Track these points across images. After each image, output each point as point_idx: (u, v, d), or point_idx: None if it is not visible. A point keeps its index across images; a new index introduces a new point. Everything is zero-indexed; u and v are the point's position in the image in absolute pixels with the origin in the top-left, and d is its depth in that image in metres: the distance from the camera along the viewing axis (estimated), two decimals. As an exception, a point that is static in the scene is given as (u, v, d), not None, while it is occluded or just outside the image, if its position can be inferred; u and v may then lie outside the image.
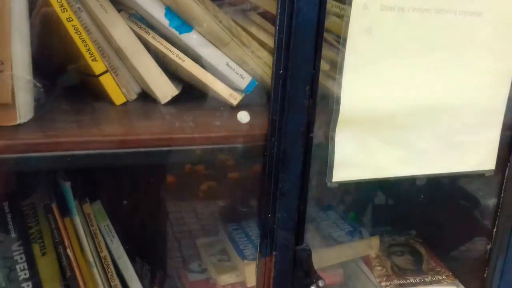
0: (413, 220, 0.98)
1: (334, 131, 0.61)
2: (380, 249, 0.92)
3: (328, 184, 0.63)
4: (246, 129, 0.59)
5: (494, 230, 0.75)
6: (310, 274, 0.62)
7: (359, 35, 0.57)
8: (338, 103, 0.60)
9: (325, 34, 0.57)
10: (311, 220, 0.90)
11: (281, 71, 0.54)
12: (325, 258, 0.89)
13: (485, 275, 0.77)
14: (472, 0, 0.62)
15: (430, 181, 0.83)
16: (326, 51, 0.60)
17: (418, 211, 0.95)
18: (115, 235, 0.78)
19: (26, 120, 0.54)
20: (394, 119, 0.64)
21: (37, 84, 0.52)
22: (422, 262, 0.90)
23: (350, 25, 0.56)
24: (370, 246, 0.91)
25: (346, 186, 0.94)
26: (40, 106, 0.56)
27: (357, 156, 0.63)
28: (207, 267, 0.92)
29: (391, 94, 0.63)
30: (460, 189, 0.89)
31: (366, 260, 0.91)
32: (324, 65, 0.61)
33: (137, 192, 0.89)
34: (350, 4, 0.56)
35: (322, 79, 0.60)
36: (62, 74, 0.66)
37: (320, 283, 0.62)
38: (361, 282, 0.90)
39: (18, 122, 0.52)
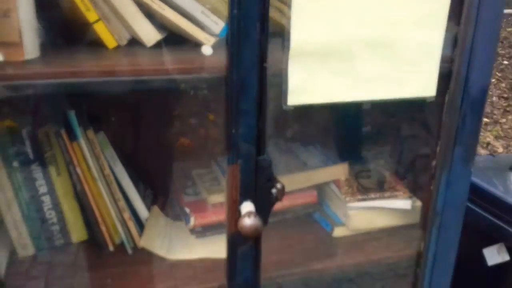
0: (381, 147, 1.10)
1: (287, 62, 0.73)
2: (350, 173, 1.05)
3: (284, 107, 0.75)
4: (213, 62, 0.72)
5: (438, 148, 0.87)
6: (271, 180, 0.76)
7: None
8: (289, 37, 0.71)
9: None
10: (285, 150, 1.03)
11: (235, 11, 0.66)
12: (300, 181, 1.03)
13: (431, 187, 0.89)
14: None
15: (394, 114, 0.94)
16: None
17: (386, 139, 1.07)
18: (118, 160, 0.93)
19: (32, 57, 0.68)
20: (340, 51, 0.75)
21: (41, 27, 0.66)
22: (385, 183, 1.03)
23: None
24: (340, 171, 1.05)
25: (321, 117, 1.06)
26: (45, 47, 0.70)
27: (308, 83, 0.75)
28: (201, 191, 1.06)
29: (337, 28, 0.74)
30: (412, 116, 1.01)
31: (337, 182, 1.04)
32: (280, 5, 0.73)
33: (137, 125, 1.04)
34: None
35: (275, 16, 0.71)
36: (62, 24, 0.78)
37: (279, 185, 0.76)
38: (331, 200, 1.04)
39: (25, 58, 0.66)
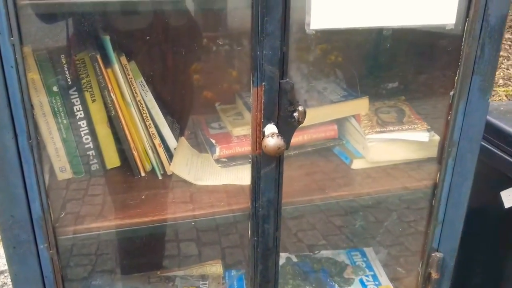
0: (401, 86, 1.12)
1: (310, -16, 0.76)
2: (370, 109, 1.09)
3: (307, 30, 0.79)
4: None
5: (456, 78, 0.89)
6: (293, 103, 0.80)
7: None
8: (313, -40, 0.74)
9: None
10: (307, 83, 1.07)
11: None
12: (322, 115, 1.07)
13: (449, 117, 0.92)
14: None
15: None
16: None
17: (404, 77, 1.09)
18: (148, 90, 0.98)
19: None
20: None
21: None
22: (404, 117, 1.06)
23: None
24: (361, 105, 1.08)
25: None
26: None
27: (331, 8, 0.78)
28: (225, 125, 1.12)
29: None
30: (432, 49, 1.03)
31: (357, 117, 1.08)
32: None
33: (166, 61, 1.08)
34: None
35: None
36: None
37: (300, 108, 0.80)
38: (351, 135, 1.08)
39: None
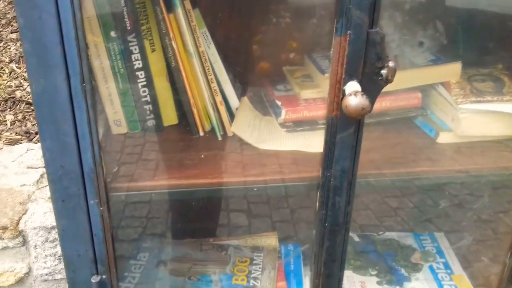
0: (499, 54, 0.96)
1: None
2: (462, 77, 0.94)
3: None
4: None
5: None
6: (382, 57, 0.68)
7: None
8: None
9: None
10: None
11: None
12: (406, 80, 0.93)
13: None
14: None
15: None
16: None
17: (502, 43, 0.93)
18: (212, 42, 0.89)
19: None
20: None
21: None
22: (504, 87, 0.91)
23: None
24: (452, 71, 0.93)
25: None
26: None
27: None
28: (292, 87, 1.01)
29: None
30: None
31: (446, 85, 0.94)
32: None
33: (231, 14, 0.98)
34: None
35: None
36: None
37: (390, 64, 0.67)
38: (438, 105, 0.94)
39: None
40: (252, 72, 1.06)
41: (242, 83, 1.01)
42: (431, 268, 1.17)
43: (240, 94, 0.98)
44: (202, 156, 0.85)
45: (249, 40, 1.04)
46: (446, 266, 1.18)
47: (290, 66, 1.06)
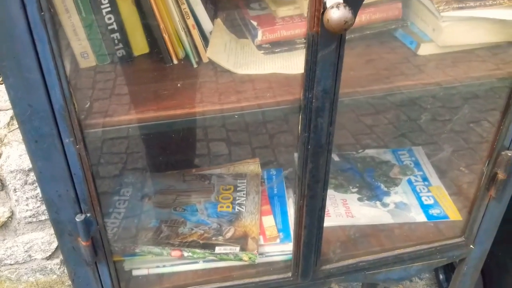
0: None
1: None
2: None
3: None
4: None
5: None
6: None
7: None
8: None
9: None
10: None
11: None
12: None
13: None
14: None
15: None
16: None
17: None
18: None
19: None
20: None
21: None
22: (486, -9, 0.88)
23: None
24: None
25: None
26: None
27: None
28: (268, 5, 0.95)
29: None
30: None
31: (427, -7, 0.90)
32: None
33: None
34: None
35: None
36: None
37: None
38: (419, 15, 0.91)
39: None
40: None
41: (213, 3, 0.95)
42: (409, 181, 1.20)
43: (213, 16, 0.92)
44: (179, 85, 0.81)
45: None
46: (424, 178, 1.21)
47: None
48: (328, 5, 0.64)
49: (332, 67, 0.73)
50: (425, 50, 0.89)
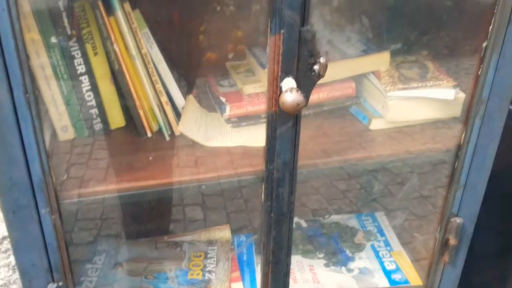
0: (424, 40, 1.05)
1: None
2: (391, 65, 1.01)
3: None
4: None
5: (490, 27, 0.82)
6: (314, 54, 0.73)
7: None
8: None
9: None
10: (323, 37, 0.99)
11: None
12: (339, 71, 1.00)
13: (479, 72, 0.85)
14: None
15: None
16: None
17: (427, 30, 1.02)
18: (154, 42, 0.91)
19: None
20: None
21: None
22: (428, 73, 0.99)
23: None
24: (381, 60, 1.00)
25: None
26: None
27: None
28: (235, 82, 1.05)
29: None
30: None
31: (376, 73, 1.01)
32: None
33: (171, 12, 1.00)
34: None
35: None
36: None
37: (322, 60, 0.73)
38: (370, 93, 1.01)
39: None
40: (197, 69, 1.09)
41: (187, 81, 1.04)
42: (373, 246, 1.25)
43: (186, 92, 1.01)
44: (150, 158, 0.87)
45: (192, 35, 1.06)
46: (386, 243, 1.26)
47: (233, 62, 1.10)
48: (283, 89, 0.73)
49: (290, 142, 0.80)
50: (376, 125, 0.98)
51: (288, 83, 0.74)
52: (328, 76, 0.76)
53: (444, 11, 1.01)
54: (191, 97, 1.00)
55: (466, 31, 0.99)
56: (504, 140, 0.92)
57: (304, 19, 0.71)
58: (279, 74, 0.74)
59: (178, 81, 0.99)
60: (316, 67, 0.74)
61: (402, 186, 1.29)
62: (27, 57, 0.64)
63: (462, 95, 0.95)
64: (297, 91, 0.72)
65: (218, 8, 1.03)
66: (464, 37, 1.00)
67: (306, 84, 0.75)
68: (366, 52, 0.99)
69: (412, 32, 1.05)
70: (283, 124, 0.78)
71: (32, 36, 0.78)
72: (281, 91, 0.74)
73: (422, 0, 1.02)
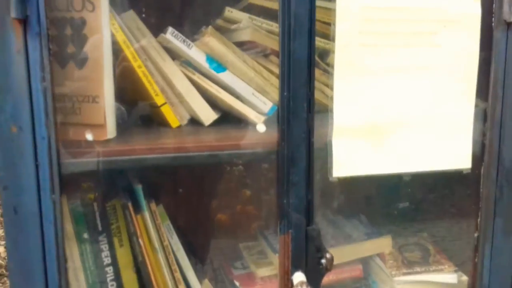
0: (423, 221, 1.13)
1: (331, 137, 0.81)
2: (394, 246, 1.08)
3: (330, 178, 0.82)
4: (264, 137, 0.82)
5: (478, 220, 0.90)
6: (321, 249, 0.81)
7: (344, 65, 0.79)
8: (332, 115, 0.80)
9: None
10: (330, 222, 1.08)
11: (285, 93, 0.76)
12: (346, 254, 1.06)
13: (476, 260, 0.91)
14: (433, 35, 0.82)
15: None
16: (320, 76, 0.82)
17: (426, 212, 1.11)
18: (174, 232, 1.00)
19: (112, 137, 0.79)
20: (379, 127, 0.83)
21: (121, 107, 0.77)
22: (430, 256, 1.05)
23: (336, 58, 0.78)
24: (384, 244, 1.08)
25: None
26: (121, 127, 0.81)
27: (351, 157, 0.82)
28: (249, 264, 1.11)
29: (376, 107, 0.83)
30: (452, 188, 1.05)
31: (381, 256, 1.07)
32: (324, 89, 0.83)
33: (188, 199, 1.12)
34: (334, 41, 0.77)
35: (319, 97, 0.81)
36: (134, 107, 0.91)
37: (328, 255, 0.80)
38: (377, 274, 1.06)
39: (107, 137, 0.77)
40: (210, 252, 1.16)
41: (202, 264, 1.10)
42: None
43: (201, 276, 1.06)
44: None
45: (204, 223, 1.16)
46: None
47: (245, 243, 1.17)
48: (294, 282, 0.79)
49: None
50: None
51: (298, 277, 0.80)
52: (335, 259, 0.81)
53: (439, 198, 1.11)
54: (206, 281, 1.05)
55: (458, 217, 1.08)
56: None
57: (309, 219, 0.80)
58: (290, 268, 0.80)
59: (194, 265, 1.05)
60: (323, 261, 0.81)
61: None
62: (65, 260, 0.72)
63: (465, 278, 0.99)
64: (307, 286, 0.77)
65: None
66: (457, 223, 1.08)
67: (315, 276, 0.81)
68: (369, 236, 1.07)
69: (412, 216, 1.14)
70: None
71: (67, 232, 0.88)
72: (292, 285, 0.80)
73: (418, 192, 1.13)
